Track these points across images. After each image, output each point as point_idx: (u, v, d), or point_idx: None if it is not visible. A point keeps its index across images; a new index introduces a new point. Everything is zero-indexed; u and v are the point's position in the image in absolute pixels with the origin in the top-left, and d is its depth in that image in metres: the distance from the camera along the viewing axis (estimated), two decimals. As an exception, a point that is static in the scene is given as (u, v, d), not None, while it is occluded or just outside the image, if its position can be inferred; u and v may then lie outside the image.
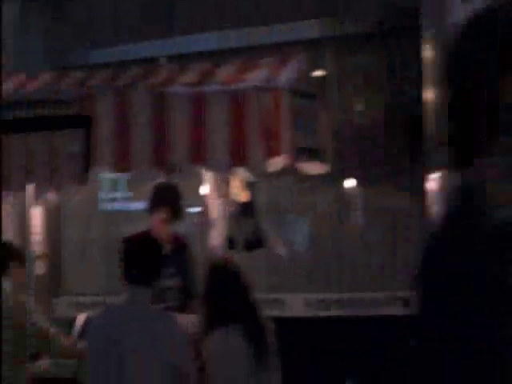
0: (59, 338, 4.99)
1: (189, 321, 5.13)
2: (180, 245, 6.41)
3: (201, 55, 7.41)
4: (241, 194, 6.07)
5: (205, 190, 5.59)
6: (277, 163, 5.61)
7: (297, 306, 7.16)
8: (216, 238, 5.68)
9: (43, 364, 5.48)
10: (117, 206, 8.45)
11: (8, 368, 4.75)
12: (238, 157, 4.87)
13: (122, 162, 5.11)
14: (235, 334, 4.42)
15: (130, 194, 8.37)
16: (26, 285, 5.20)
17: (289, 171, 6.30)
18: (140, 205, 8.16)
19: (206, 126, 4.96)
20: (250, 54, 6.77)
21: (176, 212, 6.22)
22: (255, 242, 6.38)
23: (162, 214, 6.16)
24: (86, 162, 5.07)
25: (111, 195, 8.50)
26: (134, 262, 4.52)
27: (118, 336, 4.32)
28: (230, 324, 4.45)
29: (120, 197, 8.46)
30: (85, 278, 8.28)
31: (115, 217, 8.33)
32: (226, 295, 4.53)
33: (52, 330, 4.95)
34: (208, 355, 4.47)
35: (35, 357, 5.14)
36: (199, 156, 5.02)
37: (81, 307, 7.89)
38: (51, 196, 6.55)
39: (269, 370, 4.50)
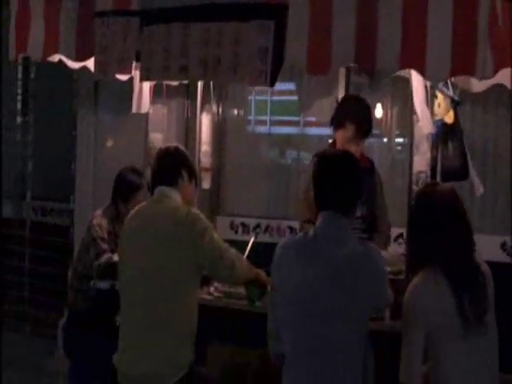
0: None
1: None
2: (367, 168, 5.55)
3: None
4: (447, 114, 5.13)
5: (417, 101, 4.66)
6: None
7: (492, 249, 6.22)
8: (420, 162, 4.79)
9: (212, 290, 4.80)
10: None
11: None
12: (461, 63, 3.95)
13: (316, 63, 4.26)
14: (444, 280, 3.57)
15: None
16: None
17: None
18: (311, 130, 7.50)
19: (423, 30, 4.04)
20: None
21: (364, 129, 5.37)
22: (460, 172, 5.44)
23: (347, 132, 5.33)
24: (276, 60, 4.25)
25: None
26: (332, 184, 3.70)
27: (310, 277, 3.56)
28: (438, 266, 3.59)
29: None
30: (246, 198, 7.54)
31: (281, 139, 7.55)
32: (438, 229, 3.65)
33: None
34: (407, 303, 3.64)
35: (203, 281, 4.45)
36: (412, 60, 4.10)
37: (243, 229, 7.21)
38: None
39: (485, 333, 3.61)
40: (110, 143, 7.48)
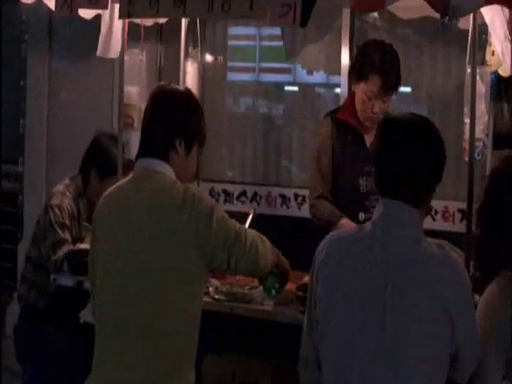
0: None
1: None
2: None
3: None
4: (500, 66, 4.11)
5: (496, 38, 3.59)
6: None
7: None
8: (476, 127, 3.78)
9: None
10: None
11: None
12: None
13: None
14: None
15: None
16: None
17: None
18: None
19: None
20: None
21: (392, 82, 4.36)
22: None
23: (371, 85, 4.31)
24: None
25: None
26: (404, 163, 2.68)
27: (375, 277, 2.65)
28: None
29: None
30: (228, 161, 6.42)
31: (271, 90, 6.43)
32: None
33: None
34: (483, 322, 2.73)
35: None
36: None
37: (225, 198, 6.15)
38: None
39: None
40: (66, 96, 6.32)
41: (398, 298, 2.60)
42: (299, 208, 6.00)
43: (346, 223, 4.29)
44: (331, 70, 6.06)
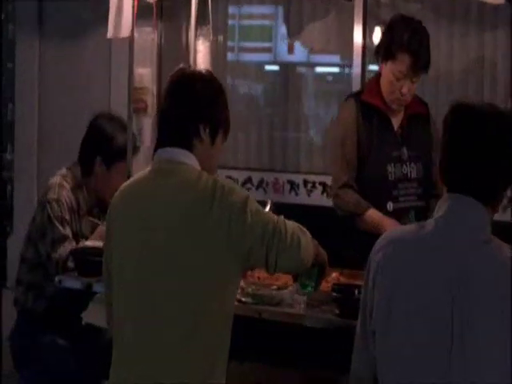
0: None
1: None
2: (421, 115, 4.23)
3: None
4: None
5: None
6: None
7: None
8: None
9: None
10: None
11: None
12: None
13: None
14: None
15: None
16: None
17: None
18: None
19: None
20: None
21: (423, 62, 4.03)
22: None
23: (400, 65, 3.99)
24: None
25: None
26: (478, 155, 2.37)
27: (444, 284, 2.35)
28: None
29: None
30: (232, 146, 6.04)
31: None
32: None
33: None
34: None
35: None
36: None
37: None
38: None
39: None
40: (58, 81, 5.94)
41: (466, 315, 2.30)
42: (309, 195, 5.68)
43: (373, 214, 3.97)
44: (335, 49, 5.76)
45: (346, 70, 5.81)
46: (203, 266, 2.62)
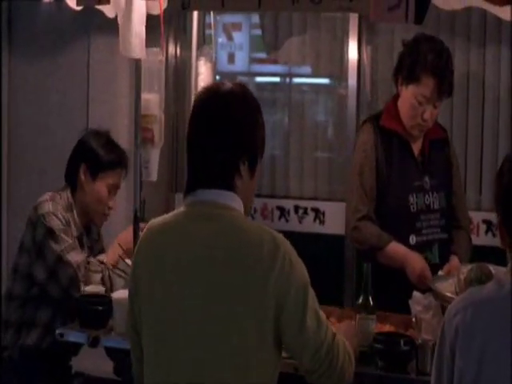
0: None
1: None
2: (441, 140, 3.95)
3: None
4: None
5: None
6: None
7: None
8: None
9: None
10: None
11: None
12: None
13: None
14: None
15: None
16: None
17: None
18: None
19: None
20: None
21: (447, 86, 3.77)
22: None
23: (425, 89, 3.73)
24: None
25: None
26: None
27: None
28: None
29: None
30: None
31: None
32: None
33: None
34: None
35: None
36: None
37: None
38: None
39: None
40: (29, 98, 5.51)
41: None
42: (300, 222, 5.36)
43: (396, 247, 3.67)
44: (320, 65, 5.49)
45: (287, 80, 5.67)
46: (256, 328, 2.31)
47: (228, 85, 2.50)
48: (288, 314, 2.32)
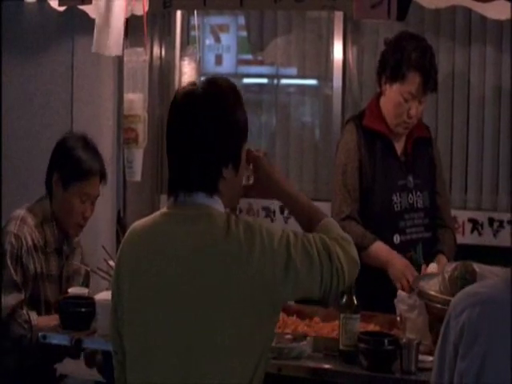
0: None
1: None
2: (424, 138, 3.95)
3: None
4: None
5: None
6: None
7: None
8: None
9: None
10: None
11: None
12: None
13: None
14: None
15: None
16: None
17: None
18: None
19: None
20: None
21: (432, 82, 3.77)
22: None
23: (411, 85, 3.74)
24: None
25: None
26: None
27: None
28: None
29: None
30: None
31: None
32: None
33: None
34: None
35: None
36: None
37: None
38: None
39: None
40: (12, 101, 5.45)
41: None
42: (286, 222, 5.34)
43: (380, 247, 3.66)
44: (305, 66, 5.49)
45: (275, 81, 5.67)
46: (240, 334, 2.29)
47: (203, 83, 2.46)
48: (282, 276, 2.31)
